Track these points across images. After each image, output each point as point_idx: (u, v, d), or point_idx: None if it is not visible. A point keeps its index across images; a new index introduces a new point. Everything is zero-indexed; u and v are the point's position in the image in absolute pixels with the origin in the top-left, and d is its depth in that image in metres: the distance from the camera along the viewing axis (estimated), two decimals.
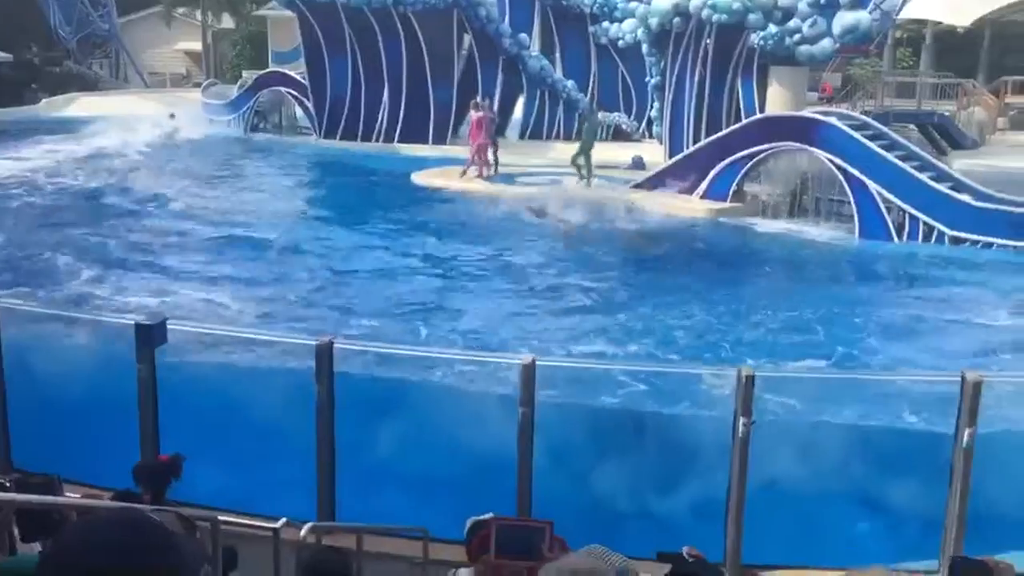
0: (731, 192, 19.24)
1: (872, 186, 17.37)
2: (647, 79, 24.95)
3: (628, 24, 26.02)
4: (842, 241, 17.54)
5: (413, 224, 18.12)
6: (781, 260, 16.74)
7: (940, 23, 35.82)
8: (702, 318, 12.75)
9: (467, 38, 27.08)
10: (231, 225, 17.59)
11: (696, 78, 21.63)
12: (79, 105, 36.48)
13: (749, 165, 18.97)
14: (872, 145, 17.58)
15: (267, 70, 33.01)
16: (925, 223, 17.08)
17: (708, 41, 21.21)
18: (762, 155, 18.75)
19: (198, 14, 45.87)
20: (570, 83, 27.59)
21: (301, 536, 5.27)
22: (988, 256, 16.36)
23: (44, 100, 37.51)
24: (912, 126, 24.89)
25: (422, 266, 15.32)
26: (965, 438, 6.29)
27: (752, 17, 20.33)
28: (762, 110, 20.69)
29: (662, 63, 22.95)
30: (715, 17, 20.56)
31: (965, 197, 17.06)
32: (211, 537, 4.02)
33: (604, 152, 23.50)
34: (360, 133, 27.56)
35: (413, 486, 7.62)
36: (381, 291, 13.70)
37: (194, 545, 3.25)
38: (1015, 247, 16.38)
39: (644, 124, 27.40)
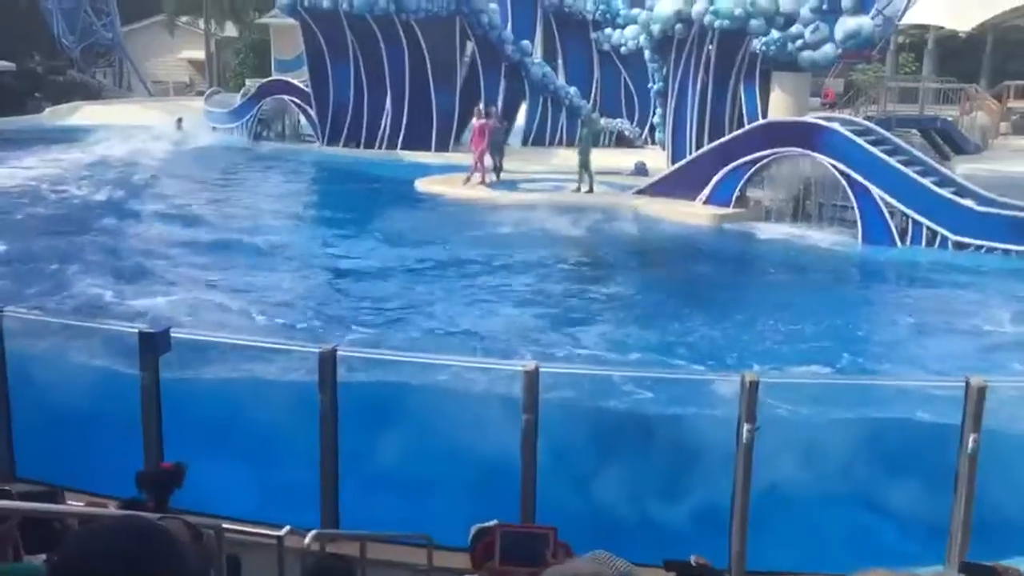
0: (734, 197, 19.24)
1: (875, 191, 17.36)
2: (649, 85, 24.99)
3: (630, 30, 26.10)
4: (845, 246, 17.52)
5: (414, 231, 18.14)
6: (784, 265, 16.72)
7: (942, 28, 35.87)
8: (705, 323, 12.73)
9: (469, 45, 27.15)
10: (250, 232, 17.70)
11: (698, 84, 21.67)
12: (83, 114, 36.61)
13: (752, 171, 18.97)
14: (875, 150, 17.57)
15: (270, 78, 33.10)
16: (928, 228, 17.06)
17: (710, 47, 21.25)
18: (765, 160, 18.76)
19: (201, 23, 46.01)
20: (573, 89, 27.64)
21: (305, 544, 5.27)
22: (992, 261, 16.34)
23: (48, 109, 37.62)
24: (915, 131, 24.88)
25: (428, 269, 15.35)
26: (970, 443, 6.27)
27: (754, 23, 20.37)
28: (764, 116, 20.72)
29: (664, 69, 23.00)
30: (717, 23, 20.60)
31: (968, 202, 17.04)
32: (215, 545, 4.02)
33: (607, 158, 23.54)
34: (363, 140, 27.63)
35: (416, 492, 7.62)
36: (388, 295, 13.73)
37: (198, 552, 3.25)
38: (1018, 252, 16.36)
39: (647, 130, 27.44)
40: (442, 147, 26.93)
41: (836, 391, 9.13)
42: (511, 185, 22.39)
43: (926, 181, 17.30)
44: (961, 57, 36.67)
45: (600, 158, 21.84)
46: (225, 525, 4.67)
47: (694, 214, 19.32)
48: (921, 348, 11.99)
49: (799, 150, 18.26)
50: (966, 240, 16.79)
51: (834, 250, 17.38)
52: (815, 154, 17.99)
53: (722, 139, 19.92)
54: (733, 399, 6.50)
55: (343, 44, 27.06)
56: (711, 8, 20.60)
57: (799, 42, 20.24)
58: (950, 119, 26.35)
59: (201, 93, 39.13)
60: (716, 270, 16.45)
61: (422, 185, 22.46)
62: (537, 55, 28.02)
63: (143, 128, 29.71)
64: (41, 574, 2.60)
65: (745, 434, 6.25)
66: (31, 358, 8.29)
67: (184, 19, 46.58)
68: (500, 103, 26.33)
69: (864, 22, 19.80)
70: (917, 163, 18.09)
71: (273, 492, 7.31)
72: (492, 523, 4.83)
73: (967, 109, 27.76)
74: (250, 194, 22.27)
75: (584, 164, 21.35)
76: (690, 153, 21.11)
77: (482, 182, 22.20)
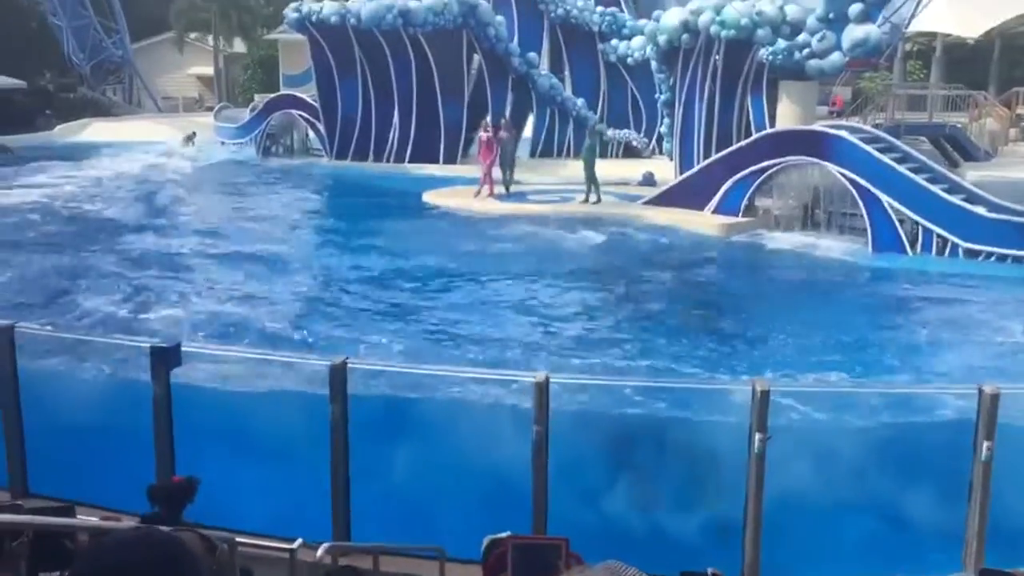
0: (743, 207, 19.22)
1: (884, 199, 17.30)
2: (656, 96, 25.00)
3: (637, 41, 26.17)
4: (855, 255, 17.45)
5: (422, 243, 18.17)
6: (794, 274, 16.67)
7: (950, 36, 35.84)
8: (715, 332, 12.70)
9: (477, 58, 27.23)
10: (264, 244, 17.78)
11: (706, 94, 21.66)
12: (93, 130, 36.86)
13: (760, 179, 18.95)
14: (884, 158, 17.52)
15: (278, 93, 33.28)
16: (939, 235, 16.98)
17: (717, 57, 21.25)
18: (773, 169, 18.73)
19: (210, 39, 46.38)
20: (580, 101, 27.69)
21: (317, 557, 5.27)
22: (1003, 268, 16.25)
23: (59, 126, 37.89)
24: (924, 138, 24.82)
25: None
26: (984, 451, 6.24)
27: (761, 32, 20.37)
28: (772, 125, 20.69)
29: (671, 80, 23.00)
30: (724, 33, 20.61)
31: (979, 209, 16.95)
32: (229, 558, 4.02)
33: (615, 169, 23.53)
34: (371, 154, 27.72)
35: (428, 504, 7.60)
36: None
37: (212, 564, 3.25)
38: None
39: (654, 140, 27.44)
40: (450, 160, 27.00)
41: (849, 398, 9.10)
42: (520, 196, 22.42)
43: (936, 188, 17.22)
44: (969, 64, 36.63)
45: (608, 169, 21.83)
46: (238, 539, 4.67)
47: (703, 223, 19.29)
48: (933, 356, 11.92)
49: (808, 159, 18.23)
50: (977, 247, 16.70)
51: (844, 259, 17.32)
52: (824, 162, 17.96)
53: (730, 148, 19.92)
54: (744, 407, 6.47)
55: (351, 58, 27.19)
56: (717, 18, 20.61)
57: (806, 51, 20.23)
58: (959, 126, 26.26)
59: (210, 109, 39.37)
60: (726, 278, 16.42)
61: (430, 198, 22.51)
62: (544, 67, 28.08)
63: (154, 144, 29.87)
64: None
65: (757, 443, 6.23)
66: (44, 374, 8.32)
67: (193, 36, 46.94)
68: (508, 115, 26.39)
69: (871, 30, 19.79)
70: (926, 170, 18.01)
71: (285, 505, 7.31)
72: (504, 534, 4.83)
73: (976, 116, 27.68)
74: (262, 208, 22.36)
75: (590, 175, 21.38)
76: (698, 163, 21.10)
77: (491, 194, 22.25)
